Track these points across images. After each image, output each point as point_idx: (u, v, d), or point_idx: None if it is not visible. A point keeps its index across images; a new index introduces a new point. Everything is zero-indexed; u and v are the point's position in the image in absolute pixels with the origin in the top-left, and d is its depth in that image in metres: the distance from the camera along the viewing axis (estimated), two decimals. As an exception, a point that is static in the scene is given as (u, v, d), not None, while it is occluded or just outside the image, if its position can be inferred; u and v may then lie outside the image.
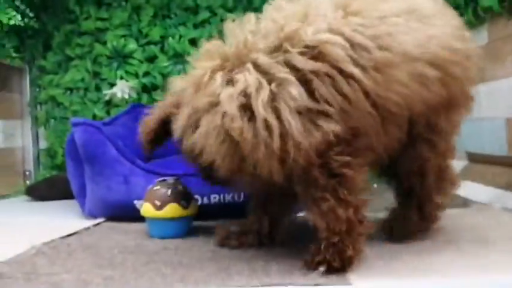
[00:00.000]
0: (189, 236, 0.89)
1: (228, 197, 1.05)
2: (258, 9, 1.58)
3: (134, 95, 1.58)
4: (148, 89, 1.60)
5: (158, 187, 0.91)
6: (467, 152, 1.37)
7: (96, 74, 1.61)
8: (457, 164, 1.39)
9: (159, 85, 1.58)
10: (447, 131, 0.75)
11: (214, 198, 1.05)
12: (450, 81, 0.68)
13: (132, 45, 1.58)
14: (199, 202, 1.04)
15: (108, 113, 1.59)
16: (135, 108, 1.45)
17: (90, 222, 1.02)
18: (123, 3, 1.60)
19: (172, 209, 0.88)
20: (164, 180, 0.93)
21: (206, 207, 1.04)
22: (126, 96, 1.56)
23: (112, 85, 1.57)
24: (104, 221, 1.05)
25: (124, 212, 1.04)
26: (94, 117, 1.58)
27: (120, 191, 1.05)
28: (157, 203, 0.88)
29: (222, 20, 1.59)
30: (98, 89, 1.60)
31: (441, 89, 0.66)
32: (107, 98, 1.57)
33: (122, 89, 1.56)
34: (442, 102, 0.69)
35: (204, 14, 1.59)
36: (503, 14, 1.14)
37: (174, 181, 0.92)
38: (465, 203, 1.10)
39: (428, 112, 0.69)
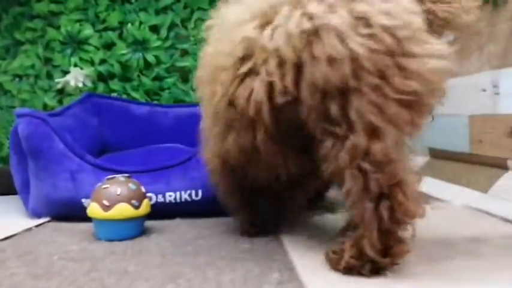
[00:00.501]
0: (140, 238, 0.83)
1: (185, 195, 0.99)
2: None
3: (89, 84, 1.48)
4: (104, 78, 1.50)
5: (107, 185, 0.84)
6: (429, 148, 1.37)
7: (47, 61, 1.50)
8: (419, 160, 1.39)
9: (117, 74, 1.49)
10: None
11: (170, 196, 0.99)
12: None
13: (88, 30, 1.48)
14: (154, 201, 0.98)
15: (60, 102, 1.48)
16: (89, 98, 1.37)
17: (33, 222, 0.94)
18: (79, -15, 1.49)
19: (122, 210, 0.82)
20: (114, 177, 0.86)
21: (161, 205, 0.99)
22: (80, 85, 1.46)
23: (65, 73, 1.47)
24: (48, 221, 0.97)
25: (71, 211, 0.97)
26: (45, 106, 1.48)
27: (67, 189, 0.97)
28: (106, 203, 0.82)
29: (185, 7, 1.54)
30: (49, 76, 1.49)
31: None
32: (59, 86, 1.47)
33: (76, 77, 1.46)
34: None
35: (166, 0, 1.51)
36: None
37: (125, 179, 0.86)
38: (425, 200, 1.09)
39: None
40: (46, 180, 0.98)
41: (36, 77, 1.49)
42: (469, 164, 1.16)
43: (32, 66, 1.49)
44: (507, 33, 0.99)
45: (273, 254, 0.71)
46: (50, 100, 1.48)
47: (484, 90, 1.08)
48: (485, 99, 1.07)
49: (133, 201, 0.83)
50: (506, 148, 1.00)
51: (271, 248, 0.74)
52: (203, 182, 0.99)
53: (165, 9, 1.51)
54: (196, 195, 0.99)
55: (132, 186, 0.85)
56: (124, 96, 1.49)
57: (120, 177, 0.86)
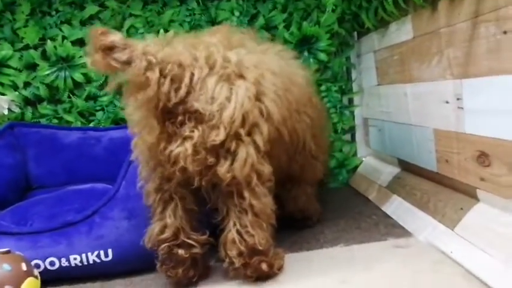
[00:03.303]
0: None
1: (93, 257, 0.84)
2: (156, 1, 1.34)
3: (16, 110, 1.32)
4: (32, 102, 1.34)
5: (-24, 269, 0.69)
6: (399, 159, 1.20)
7: (-33, 87, 1.34)
8: (389, 171, 1.22)
9: (44, 96, 1.33)
10: None
11: (75, 259, 0.84)
12: None
13: (6, 50, 1.31)
14: (57, 265, 0.83)
15: (-12, 132, 1.33)
16: (12, 130, 1.22)
17: None
18: (-7, -2, 1.31)
19: (-9, 299, 0.67)
20: (-13, 256, 0.71)
21: (68, 269, 0.84)
22: (6, 112, 1.31)
23: (-12, 100, 1.31)
24: None
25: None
26: (-30, 138, 1.32)
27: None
28: (-29, 293, 0.67)
29: (112, 15, 1.35)
30: (-29, 105, 1.34)
31: None
32: (-18, 115, 1.31)
33: (0, 105, 1.30)
34: None
35: (91, 9, 1.32)
36: (426, 6, 0.93)
37: (1, 257, 0.71)
38: (387, 231, 0.93)
39: None
40: None
41: (-44, 106, 1.33)
42: (437, 183, 0.99)
43: (-50, 95, 1.33)
44: (467, 35, 0.80)
45: None
46: (-25, 131, 1.33)
47: (447, 102, 0.90)
48: (450, 113, 0.89)
49: (6, 287, 0.68)
50: (475, 175, 0.83)
51: None
52: (113, 239, 0.84)
53: (91, 20, 1.33)
54: (106, 255, 0.84)
55: (6, 267, 0.70)
56: (55, 121, 1.34)
57: (-5, 254, 0.71)
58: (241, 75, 0.72)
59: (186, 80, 0.68)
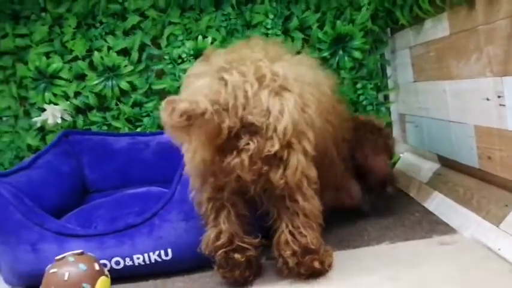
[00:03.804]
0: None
1: (154, 256, 0.91)
2: (193, 9, 1.40)
3: (68, 118, 1.41)
4: (82, 110, 1.43)
5: (55, 269, 0.77)
6: (438, 155, 1.21)
7: (23, 99, 1.44)
8: (428, 167, 1.24)
9: (93, 105, 1.41)
10: None
11: (138, 258, 0.91)
12: None
13: (57, 63, 1.40)
14: (122, 265, 0.91)
15: (43, 140, 1.43)
16: (66, 138, 1.30)
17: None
18: (43, 14, 1.40)
19: (71, 297, 0.75)
20: (64, 258, 0.79)
21: (131, 268, 0.91)
22: (59, 121, 1.40)
23: (42, 110, 1.41)
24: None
25: (38, 282, 0.91)
26: (29, 147, 1.43)
27: (29, 262, 0.92)
28: (54, 291, 0.75)
29: (154, 24, 1.42)
30: (27, 115, 1.44)
31: None
32: (38, 125, 1.41)
33: (53, 114, 1.39)
34: None
35: (133, 19, 1.39)
36: (463, 3, 0.95)
37: (75, 258, 0.79)
38: (431, 227, 0.96)
39: None
40: (8, 254, 0.93)
41: (15, 117, 1.43)
42: (480, 180, 1.00)
43: (9, 107, 1.43)
44: (507, 33, 0.81)
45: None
46: (32, 139, 1.43)
47: (487, 99, 0.91)
48: (491, 110, 0.90)
49: (84, 285, 0.76)
50: (518, 172, 0.85)
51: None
52: (172, 240, 0.91)
53: (133, 29, 1.40)
54: (166, 254, 0.91)
55: (82, 267, 0.78)
56: (105, 127, 1.42)
57: (70, 256, 0.79)
58: (287, 88, 0.76)
59: (242, 100, 0.73)
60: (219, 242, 0.80)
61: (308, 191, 0.78)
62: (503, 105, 0.87)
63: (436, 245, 0.87)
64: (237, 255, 0.80)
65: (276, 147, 0.72)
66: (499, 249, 0.79)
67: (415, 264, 0.81)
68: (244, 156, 0.72)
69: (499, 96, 0.88)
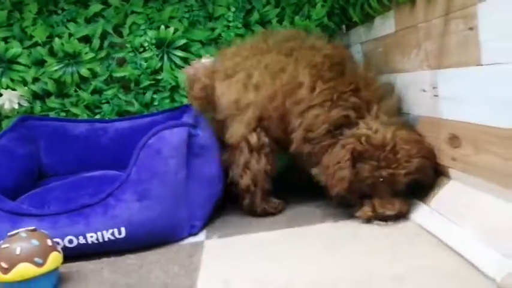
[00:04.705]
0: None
1: (107, 235, 0.94)
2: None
3: (25, 104, 1.41)
4: (40, 96, 1.42)
5: (7, 245, 0.79)
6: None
7: (-20, 83, 1.42)
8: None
9: (52, 91, 1.41)
10: None
11: (92, 237, 0.93)
12: None
13: (16, 48, 1.39)
14: (75, 243, 0.93)
15: (-1, 125, 1.42)
16: (23, 123, 1.30)
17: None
18: (1, -2, 1.39)
19: (22, 271, 0.77)
20: (16, 234, 0.81)
21: (84, 247, 0.94)
22: (16, 107, 1.39)
23: (-1, 95, 1.40)
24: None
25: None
26: (-16, 131, 1.41)
27: (-19, 240, 0.92)
28: (4, 265, 0.77)
29: (117, 12, 1.43)
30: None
31: None
32: (-5, 110, 1.40)
33: (10, 99, 1.38)
34: None
35: (95, 6, 1.40)
36: (407, 2, 1.02)
37: (28, 234, 0.81)
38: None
39: None
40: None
41: (-29, 101, 1.42)
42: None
43: (-36, 91, 1.41)
44: (441, 30, 0.89)
45: None
46: (-12, 124, 1.41)
47: (424, 90, 0.99)
48: (427, 101, 0.98)
49: (36, 259, 0.78)
50: (447, 156, 0.93)
51: None
52: (125, 219, 0.94)
53: (95, 17, 1.41)
54: (120, 233, 0.94)
55: (34, 242, 0.79)
56: (63, 114, 1.42)
57: (23, 232, 0.81)
58: None
59: None
60: None
61: None
62: (437, 95, 0.95)
63: (374, 225, 0.94)
64: None
65: None
66: (428, 226, 0.87)
67: (353, 241, 0.87)
68: None
69: (433, 88, 0.96)
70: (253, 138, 1.04)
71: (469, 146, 0.85)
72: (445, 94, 0.92)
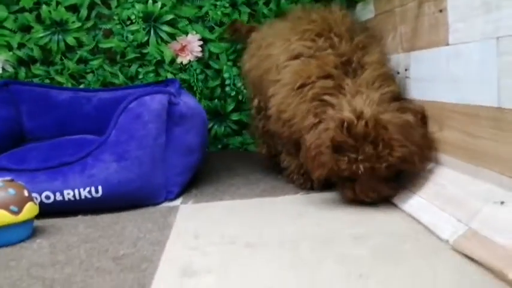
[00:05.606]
0: (23, 244, 0.81)
1: (84, 192, 0.96)
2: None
3: (10, 69, 1.42)
4: (25, 62, 1.43)
5: (-17, 192, 0.80)
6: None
7: (-36, 46, 1.42)
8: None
9: (37, 58, 1.42)
10: None
11: (69, 194, 0.96)
12: None
13: (1, 12, 1.39)
14: (52, 199, 0.95)
15: (-17, 89, 1.42)
16: (7, 87, 1.31)
17: None
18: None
19: (-2, 217, 0.79)
20: (-7, 183, 0.82)
21: (61, 203, 0.96)
22: (0, 71, 1.40)
23: (-17, 59, 1.40)
24: None
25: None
26: (-34, 94, 1.41)
27: (-42, 192, 0.93)
28: (-20, 211, 0.78)
29: (106, -18, 1.44)
30: (-33, 62, 1.42)
31: None
32: (-22, 73, 1.40)
33: (-6, 63, 1.39)
34: None
35: (84, -24, 1.42)
36: (385, -14, 1.07)
37: (5, 184, 0.82)
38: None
39: None
40: None
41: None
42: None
43: None
44: (415, 13, 0.94)
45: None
46: (-29, 87, 1.41)
47: (398, 73, 1.04)
48: (401, 82, 1.03)
49: (11, 207, 0.80)
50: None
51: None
52: (103, 178, 0.96)
53: (84, -14, 1.42)
54: (97, 191, 0.96)
55: (11, 191, 0.81)
56: (47, 81, 1.43)
57: (0, 181, 0.83)
58: None
59: None
60: None
61: None
62: (408, 77, 0.99)
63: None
64: None
65: None
66: (392, 198, 0.92)
67: (321, 209, 0.92)
68: None
69: (406, 70, 1.01)
70: None
71: (434, 124, 0.90)
72: (416, 75, 0.96)
